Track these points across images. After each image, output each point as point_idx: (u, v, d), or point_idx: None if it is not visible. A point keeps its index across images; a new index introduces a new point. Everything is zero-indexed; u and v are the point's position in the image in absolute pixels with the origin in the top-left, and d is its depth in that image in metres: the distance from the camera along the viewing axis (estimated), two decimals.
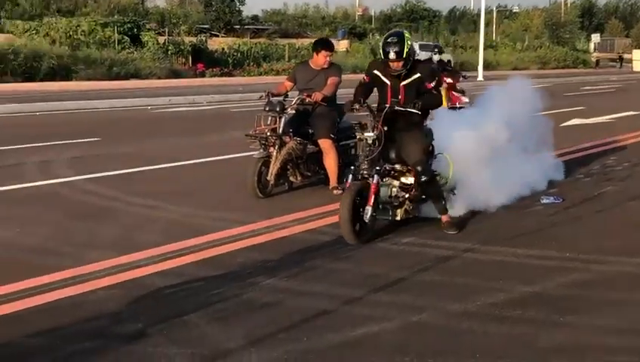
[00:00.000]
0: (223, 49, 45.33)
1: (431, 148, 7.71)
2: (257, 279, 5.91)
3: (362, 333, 4.97)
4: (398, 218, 7.42)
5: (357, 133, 7.18)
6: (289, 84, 9.58)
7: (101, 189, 9.59)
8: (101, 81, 32.63)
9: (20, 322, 5.02)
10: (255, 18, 70.36)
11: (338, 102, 9.21)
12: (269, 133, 8.91)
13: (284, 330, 4.97)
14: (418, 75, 7.30)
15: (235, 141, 12.48)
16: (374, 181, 6.99)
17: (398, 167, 7.42)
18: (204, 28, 54.55)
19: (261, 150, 8.98)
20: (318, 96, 8.99)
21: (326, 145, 9.03)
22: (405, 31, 7.44)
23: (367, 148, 7.06)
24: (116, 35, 40.06)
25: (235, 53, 45.29)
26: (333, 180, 9.12)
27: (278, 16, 72.93)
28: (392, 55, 7.13)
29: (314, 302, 5.51)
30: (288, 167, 9.02)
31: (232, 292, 5.65)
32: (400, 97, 7.31)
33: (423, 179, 7.25)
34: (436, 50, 20.01)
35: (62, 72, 33.28)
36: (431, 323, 5.18)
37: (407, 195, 7.40)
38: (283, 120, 8.90)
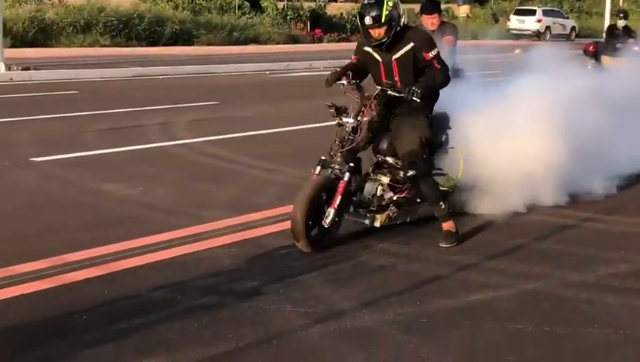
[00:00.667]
0: (342, 14, 45.26)
1: (444, 138, 6.38)
2: (371, 243, 5.93)
3: (476, 299, 4.93)
4: (378, 224, 6.01)
5: (335, 118, 5.85)
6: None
7: (219, 151, 9.79)
8: (221, 46, 33.10)
9: (142, 276, 5.20)
10: None
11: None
12: None
13: (397, 294, 4.98)
14: (411, 44, 5.87)
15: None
16: (345, 178, 5.69)
17: (390, 160, 6.13)
18: None
19: None
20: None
21: None
22: None
23: (345, 138, 5.78)
24: (236, 0, 40.57)
25: (353, 19, 45.18)
26: None
27: None
28: (367, 20, 5.78)
29: (428, 268, 5.50)
30: None
31: (346, 255, 5.69)
32: (395, 77, 5.93)
33: (411, 173, 5.85)
34: (620, 15, 17.31)
35: (184, 36, 33.92)
36: (547, 292, 5.09)
37: (394, 197, 6.10)
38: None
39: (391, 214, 6.06)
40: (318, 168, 5.75)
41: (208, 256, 5.66)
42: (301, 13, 42.48)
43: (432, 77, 5.84)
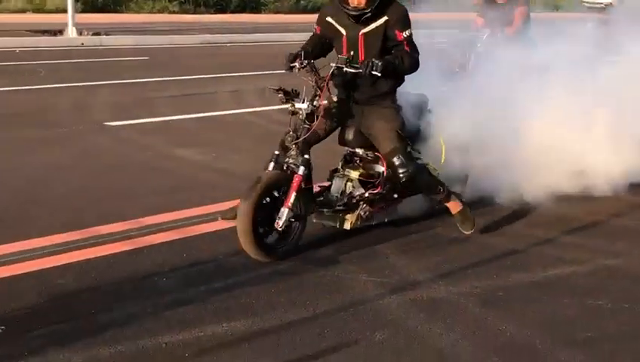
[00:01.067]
0: None
1: (424, 124, 5.63)
2: (445, 215, 5.86)
3: (553, 274, 4.88)
4: (348, 226, 5.22)
5: (286, 104, 5.08)
6: (479, 20, 8.79)
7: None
8: (289, 15, 33.11)
9: (219, 241, 5.26)
10: None
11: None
12: None
13: (472, 266, 4.96)
14: (384, 18, 5.02)
15: None
16: (300, 172, 4.93)
17: (359, 151, 5.41)
18: None
19: None
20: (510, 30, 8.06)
21: None
22: None
23: (301, 127, 5.03)
24: None
25: None
26: None
27: None
28: None
29: (503, 241, 5.46)
30: None
31: (420, 227, 5.67)
32: (359, 52, 5.09)
33: (403, 177, 5.13)
34: None
35: (251, 4, 33.98)
36: (626, 269, 5.02)
37: (365, 194, 5.31)
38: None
39: (362, 214, 5.27)
40: (271, 165, 4.98)
41: None
42: None
43: (400, 57, 5.02)
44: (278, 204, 4.90)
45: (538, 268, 4.95)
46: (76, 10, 20.64)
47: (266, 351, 3.80)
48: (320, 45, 5.31)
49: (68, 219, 5.65)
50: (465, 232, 5.42)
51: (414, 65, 5.13)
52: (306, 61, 5.03)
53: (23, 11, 27.31)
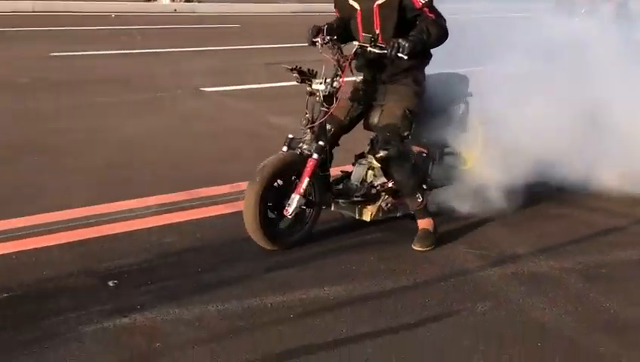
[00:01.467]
0: None
1: (461, 108, 5.18)
2: (550, 192, 5.77)
3: None
4: (368, 218, 4.88)
5: (304, 83, 4.63)
6: None
7: None
8: None
9: None
10: None
11: None
12: None
13: (574, 242, 4.91)
14: None
15: None
16: (314, 157, 4.57)
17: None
18: None
19: None
20: None
21: None
22: None
23: (320, 108, 4.60)
24: None
25: None
26: None
27: None
28: None
29: (604, 218, 5.38)
30: None
31: (520, 201, 5.61)
32: (375, 29, 4.70)
33: (381, 154, 4.68)
34: None
35: None
36: None
37: (388, 184, 4.91)
38: None
39: (384, 205, 4.91)
40: (285, 148, 4.61)
41: None
42: None
43: (425, 30, 4.56)
44: (290, 189, 4.59)
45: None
46: None
47: (368, 317, 3.84)
48: (343, 27, 4.86)
49: (171, 181, 5.80)
50: (416, 248, 4.70)
51: (443, 35, 4.64)
52: (329, 37, 4.62)
53: None
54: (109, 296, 3.95)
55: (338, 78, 4.55)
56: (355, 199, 4.86)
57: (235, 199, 5.34)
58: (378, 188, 4.91)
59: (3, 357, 3.32)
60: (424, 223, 4.83)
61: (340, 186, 4.90)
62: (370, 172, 4.92)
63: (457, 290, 4.18)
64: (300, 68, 4.58)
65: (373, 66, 4.74)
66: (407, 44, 4.42)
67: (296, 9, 21.12)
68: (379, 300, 4.03)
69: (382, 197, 4.90)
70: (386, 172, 4.86)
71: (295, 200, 4.52)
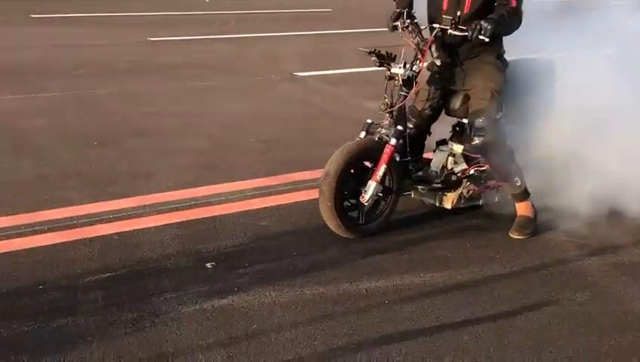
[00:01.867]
0: None
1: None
2: None
3: None
4: (449, 205, 4.78)
5: (383, 67, 4.56)
6: None
7: None
8: None
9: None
10: None
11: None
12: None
13: None
14: None
15: None
16: (392, 143, 4.49)
17: (466, 122, 4.76)
18: None
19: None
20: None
21: None
22: None
23: (399, 93, 4.51)
24: None
25: None
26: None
27: None
28: None
29: None
30: None
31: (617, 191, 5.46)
32: (464, 9, 4.52)
33: (476, 141, 4.56)
34: None
35: None
36: None
37: (470, 170, 4.82)
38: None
39: (465, 193, 4.79)
40: (363, 134, 4.61)
41: None
42: None
43: (506, 14, 4.41)
44: (367, 175, 4.53)
45: None
46: None
47: (465, 303, 3.81)
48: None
49: (267, 164, 5.86)
50: (514, 236, 4.66)
51: (517, 25, 4.52)
52: (409, 20, 4.53)
53: None
54: (207, 277, 4.01)
55: (418, 62, 4.47)
56: (435, 186, 4.79)
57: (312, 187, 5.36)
58: (459, 175, 4.81)
59: (106, 336, 3.42)
60: (523, 208, 4.73)
61: (420, 173, 4.79)
62: (450, 159, 4.83)
63: (556, 279, 4.11)
64: (379, 51, 4.51)
65: (451, 48, 4.60)
66: (489, 26, 4.30)
67: None
68: (475, 288, 4.00)
69: (463, 184, 4.80)
70: (468, 158, 4.79)
71: (372, 187, 4.46)
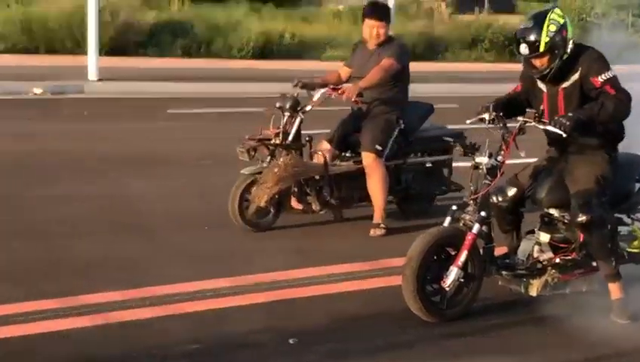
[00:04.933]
0: None
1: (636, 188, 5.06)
2: None
3: None
4: (534, 293, 4.85)
5: (470, 157, 4.79)
6: (346, 70, 6.81)
7: None
8: None
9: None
10: None
11: (405, 101, 6.69)
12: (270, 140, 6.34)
13: None
14: (579, 69, 4.69)
15: None
16: (474, 230, 4.66)
17: (554, 212, 4.92)
18: None
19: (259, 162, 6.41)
20: (349, 91, 6.29)
21: (368, 160, 6.34)
22: (554, 10, 4.74)
23: (483, 181, 4.74)
24: (630, 18, 38.77)
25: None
26: (377, 214, 6.43)
27: None
28: (523, 48, 4.68)
29: None
30: (294, 189, 6.38)
31: None
32: (558, 107, 4.78)
33: (581, 218, 4.62)
34: None
35: None
36: None
37: (555, 259, 4.92)
38: (297, 122, 6.35)
39: (550, 280, 4.85)
40: (448, 219, 4.78)
41: None
42: None
43: (600, 105, 4.55)
44: (449, 261, 4.70)
45: None
46: None
47: None
48: (515, 102, 5.00)
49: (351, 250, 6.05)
50: (618, 320, 4.77)
51: (621, 109, 4.60)
52: (494, 113, 4.79)
53: None
54: (290, 351, 4.28)
55: (502, 153, 4.72)
56: (519, 272, 4.91)
57: None
58: (544, 263, 4.92)
59: None
60: (616, 290, 4.81)
61: (507, 260, 4.97)
62: (536, 247, 4.96)
63: None
64: (462, 143, 4.88)
65: (561, 143, 4.82)
66: (567, 122, 4.49)
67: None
68: None
69: (548, 272, 4.88)
70: (555, 247, 4.92)
71: (453, 272, 4.63)
